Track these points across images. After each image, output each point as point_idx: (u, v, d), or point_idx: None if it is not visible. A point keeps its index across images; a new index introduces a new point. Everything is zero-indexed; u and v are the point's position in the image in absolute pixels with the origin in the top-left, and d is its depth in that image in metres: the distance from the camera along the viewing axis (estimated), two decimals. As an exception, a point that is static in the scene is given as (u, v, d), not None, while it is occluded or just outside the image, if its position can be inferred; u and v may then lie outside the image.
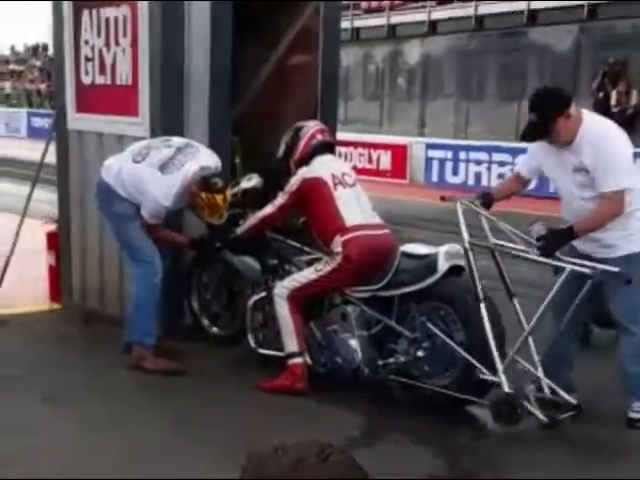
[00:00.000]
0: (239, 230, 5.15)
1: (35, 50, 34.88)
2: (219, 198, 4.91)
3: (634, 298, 4.33)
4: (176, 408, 4.53)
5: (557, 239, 4.30)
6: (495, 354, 4.25)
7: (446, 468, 3.95)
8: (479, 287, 4.34)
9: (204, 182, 4.87)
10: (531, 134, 4.39)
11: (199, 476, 3.68)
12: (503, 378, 4.24)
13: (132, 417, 4.41)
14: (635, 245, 4.30)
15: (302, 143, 5.00)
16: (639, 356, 4.39)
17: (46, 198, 7.35)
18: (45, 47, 32.94)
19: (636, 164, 4.52)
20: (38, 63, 33.04)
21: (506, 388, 4.22)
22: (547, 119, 4.24)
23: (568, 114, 4.22)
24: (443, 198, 4.68)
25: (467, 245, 4.42)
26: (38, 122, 26.75)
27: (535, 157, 4.57)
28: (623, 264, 4.23)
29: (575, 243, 4.43)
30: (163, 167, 4.94)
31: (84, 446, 4.04)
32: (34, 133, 25.79)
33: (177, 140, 5.16)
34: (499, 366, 4.25)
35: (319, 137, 5.04)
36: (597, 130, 4.24)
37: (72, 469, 3.77)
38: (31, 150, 17.41)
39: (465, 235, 4.43)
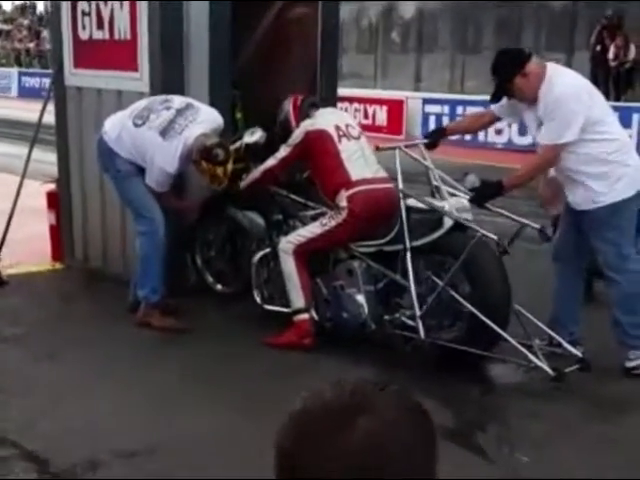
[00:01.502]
0: (242, 184, 5.13)
1: (23, 9, 34.36)
2: (219, 170, 4.87)
3: (617, 247, 4.38)
4: (183, 364, 4.55)
5: (488, 191, 4.44)
6: (414, 299, 4.37)
7: (452, 419, 3.98)
8: (406, 235, 4.42)
9: (206, 152, 4.82)
10: (495, 95, 4.55)
11: (207, 428, 3.72)
12: (420, 323, 4.36)
13: (138, 373, 4.43)
14: (616, 194, 4.31)
15: (292, 113, 5.02)
16: (627, 305, 4.43)
17: (41, 157, 7.28)
18: (33, 6, 32.49)
19: (614, 115, 4.57)
20: (26, 22, 32.57)
21: (422, 335, 4.35)
22: (505, 80, 4.38)
23: (524, 73, 4.31)
24: (377, 148, 4.82)
25: (401, 193, 4.54)
26: (29, 81, 26.45)
27: (513, 106, 4.60)
28: (606, 214, 4.30)
29: (567, 194, 4.47)
30: (164, 132, 4.90)
31: (89, 403, 4.05)
32: (25, 92, 25.54)
33: (177, 100, 5.09)
34: (417, 312, 4.38)
35: (300, 98, 5.09)
36: (551, 85, 4.28)
37: (75, 426, 3.80)
38: (23, 110, 17.29)
39: (400, 182, 4.55)
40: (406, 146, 4.89)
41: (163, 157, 4.87)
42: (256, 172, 5.06)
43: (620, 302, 4.45)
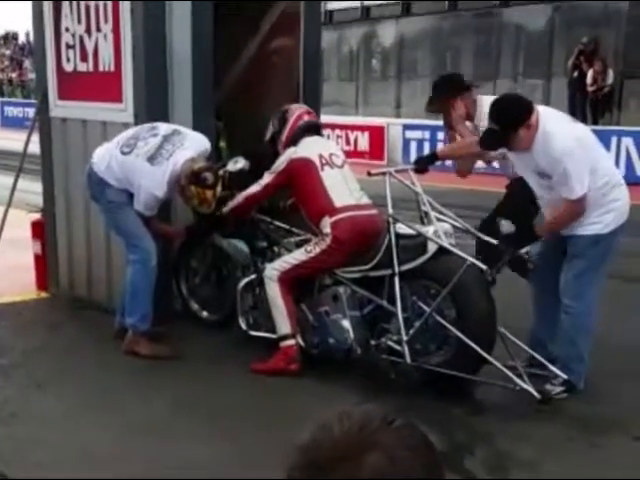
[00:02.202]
0: (225, 209, 5.17)
1: (5, 39, 34.44)
2: (209, 193, 4.91)
3: (579, 277, 4.36)
4: (171, 392, 4.55)
5: (523, 240, 4.38)
6: (401, 324, 4.42)
7: (440, 442, 3.99)
8: (395, 260, 4.46)
9: (194, 177, 4.85)
10: (490, 143, 4.37)
11: (199, 456, 3.72)
12: (406, 349, 4.40)
13: (126, 402, 4.42)
14: (601, 226, 4.32)
15: (289, 126, 5.04)
16: (563, 336, 4.46)
17: (25, 187, 7.30)
18: (15, 36, 32.56)
19: (603, 148, 4.52)
20: (8, 52, 32.64)
21: (408, 359, 4.39)
22: (508, 130, 4.19)
23: (529, 124, 4.18)
24: (369, 173, 4.81)
25: (390, 218, 4.57)
26: (12, 111, 26.54)
27: None
28: (586, 242, 4.31)
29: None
30: (151, 158, 4.93)
31: (78, 432, 4.04)
32: (8, 122, 25.64)
33: (163, 127, 5.14)
34: (403, 337, 4.41)
35: (305, 118, 5.09)
36: (549, 140, 4.17)
37: (64, 456, 3.79)
38: (6, 140, 17.28)
39: (389, 207, 4.59)
40: (396, 171, 4.94)
41: (151, 182, 4.90)
42: (239, 197, 5.10)
43: (563, 330, 4.46)
